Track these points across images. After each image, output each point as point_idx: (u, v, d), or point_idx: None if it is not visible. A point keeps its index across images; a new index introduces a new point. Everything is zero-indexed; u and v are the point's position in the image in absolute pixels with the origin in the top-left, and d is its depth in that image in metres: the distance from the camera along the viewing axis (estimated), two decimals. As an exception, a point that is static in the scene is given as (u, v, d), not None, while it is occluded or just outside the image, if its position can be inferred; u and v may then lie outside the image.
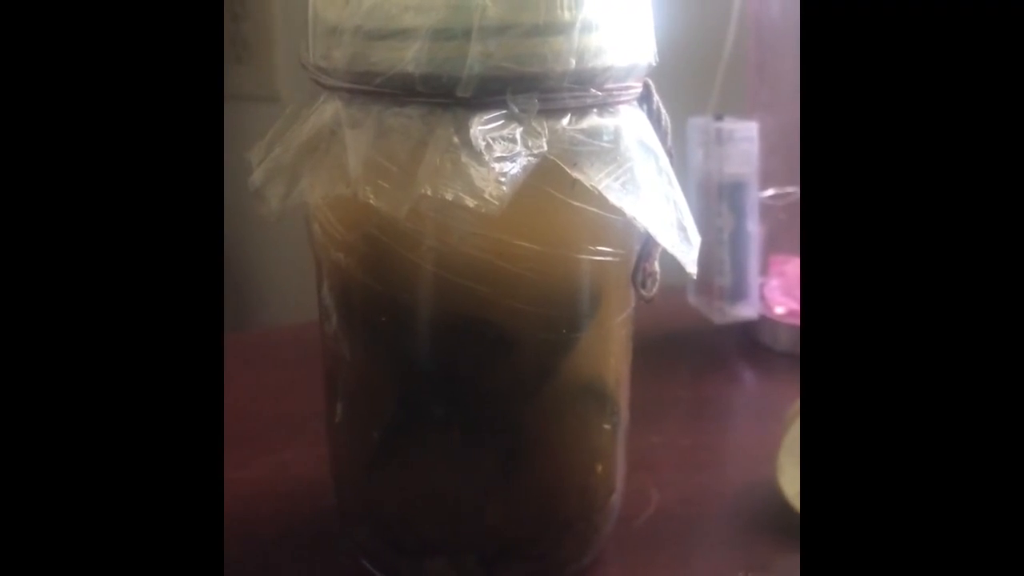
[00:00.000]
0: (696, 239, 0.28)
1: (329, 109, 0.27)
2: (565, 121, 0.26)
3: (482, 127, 0.25)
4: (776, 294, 0.52)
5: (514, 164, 0.25)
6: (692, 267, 0.28)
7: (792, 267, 0.53)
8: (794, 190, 0.50)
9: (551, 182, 0.26)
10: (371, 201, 0.25)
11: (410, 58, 0.25)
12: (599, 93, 0.26)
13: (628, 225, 0.27)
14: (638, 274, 0.30)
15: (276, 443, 0.42)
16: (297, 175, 0.28)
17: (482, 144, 0.25)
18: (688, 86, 0.48)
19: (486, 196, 0.24)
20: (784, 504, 0.35)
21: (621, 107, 0.28)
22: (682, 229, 0.28)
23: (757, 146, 0.49)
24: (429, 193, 0.25)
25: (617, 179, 0.26)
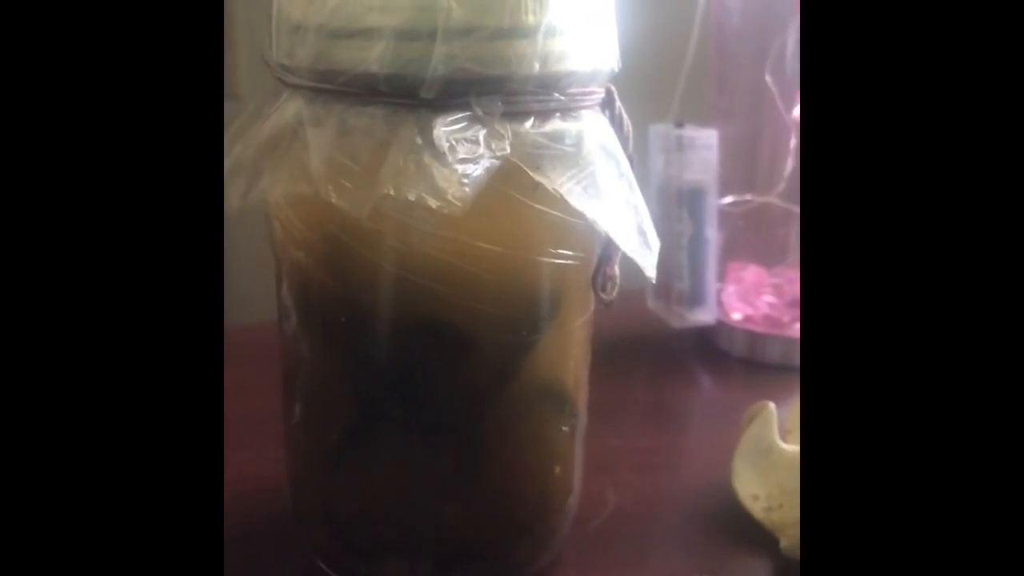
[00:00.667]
0: (655, 244, 0.29)
1: (291, 107, 0.27)
2: (528, 124, 0.26)
3: (445, 128, 0.25)
4: (733, 300, 0.53)
5: (477, 166, 0.25)
6: (651, 271, 0.28)
7: (749, 273, 0.54)
8: (752, 197, 0.51)
9: (513, 184, 0.26)
10: (333, 200, 0.25)
11: (374, 58, 0.25)
12: (562, 97, 0.27)
13: (589, 229, 0.28)
14: (598, 278, 0.30)
15: (232, 443, 0.41)
16: (258, 173, 0.28)
17: (445, 145, 0.25)
18: (650, 93, 0.49)
19: (449, 197, 0.24)
20: (738, 507, 0.36)
21: (584, 112, 0.28)
22: (642, 233, 0.28)
23: (716, 154, 0.49)
24: (392, 193, 0.25)
25: (579, 183, 0.27)
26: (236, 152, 0.28)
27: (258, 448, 0.40)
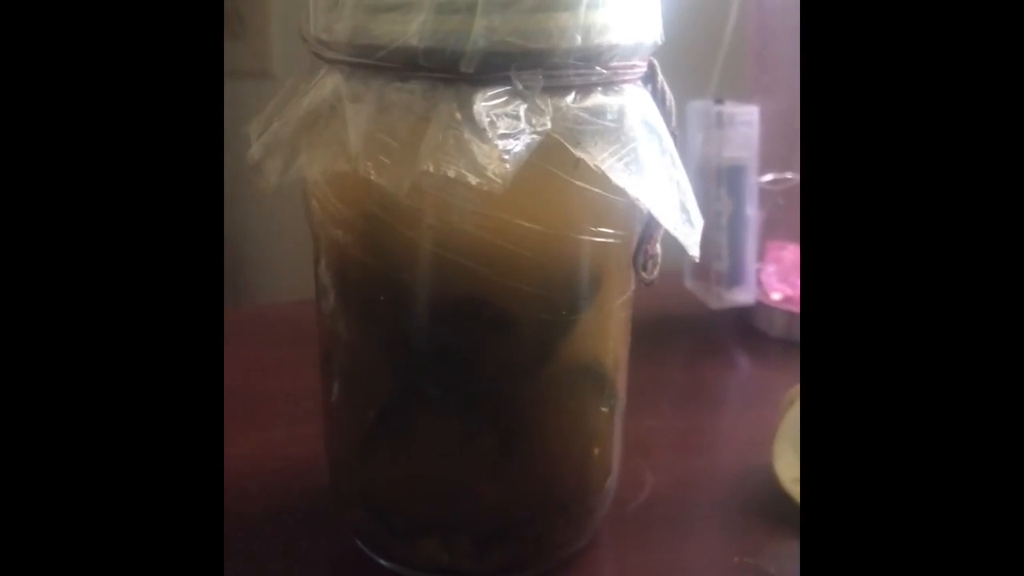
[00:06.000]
0: (699, 221, 0.28)
1: (329, 83, 0.27)
2: (569, 99, 0.26)
3: (485, 103, 0.25)
4: (772, 280, 0.52)
5: (517, 142, 0.24)
6: (694, 249, 0.28)
7: (789, 253, 0.53)
8: (793, 175, 0.50)
9: (554, 161, 0.26)
10: (372, 177, 0.25)
11: (413, 31, 0.25)
12: (604, 71, 0.26)
13: (630, 206, 0.27)
14: (639, 256, 0.30)
15: (269, 421, 0.42)
16: (296, 150, 0.27)
17: (485, 121, 0.24)
18: (689, 69, 0.48)
19: (489, 174, 0.24)
20: (779, 489, 0.35)
21: (626, 86, 0.27)
22: (685, 211, 0.28)
23: (757, 130, 0.48)
24: (431, 170, 0.24)
25: (620, 159, 0.26)
26: (273, 129, 0.28)
27: (296, 426, 0.40)
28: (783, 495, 0.35)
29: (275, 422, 0.42)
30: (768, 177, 0.50)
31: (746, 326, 0.52)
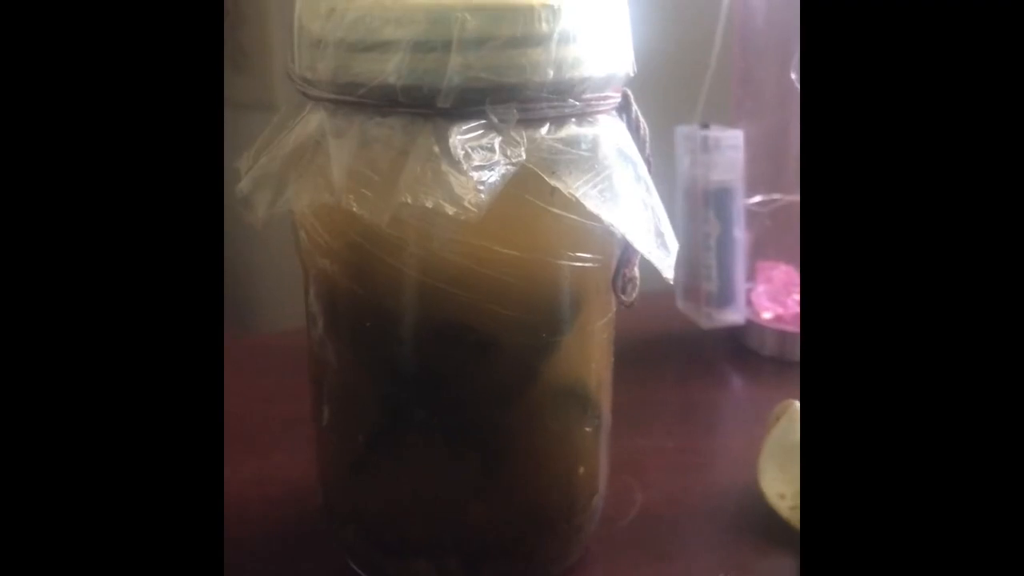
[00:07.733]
0: (674, 245, 0.29)
1: (314, 119, 0.28)
2: (544, 130, 0.27)
3: (461, 137, 0.26)
4: (762, 299, 0.53)
5: (493, 172, 0.25)
6: (669, 272, 0.28)
7: (778, 273, 0.53)
8: (779, 197, 0.51)
9: (530, 190, 0.27)
10: (354, 209, 0.26)
11: (391, 70, 0.26)
12: (577, 103, 0.27)
13: (607, 232, 0.28)
14: (618, 280, 0.31)
15: (266, 446, 0.42)
16: (283, 183, 0.28)
17: (461, 153, 0.25)
18: (675, 95, 0.49)
19: (465, 204, 0.25)
20: (766, 507, 0.36)
21: (599, 116, 0.28)
22: (659, 235, 0.29)
23: (743, 154, 0.49)
24: (410, 201, 0.25)
25: (595, 187, 0.27)
26: (262, 164, 0.29)
27: (291, 451, 0.41)
28: (770, 512, 0.36)
29: (272, 447, 0.42)
30: (755, 199, 0.51)
31: (737, 345, 0.53)
